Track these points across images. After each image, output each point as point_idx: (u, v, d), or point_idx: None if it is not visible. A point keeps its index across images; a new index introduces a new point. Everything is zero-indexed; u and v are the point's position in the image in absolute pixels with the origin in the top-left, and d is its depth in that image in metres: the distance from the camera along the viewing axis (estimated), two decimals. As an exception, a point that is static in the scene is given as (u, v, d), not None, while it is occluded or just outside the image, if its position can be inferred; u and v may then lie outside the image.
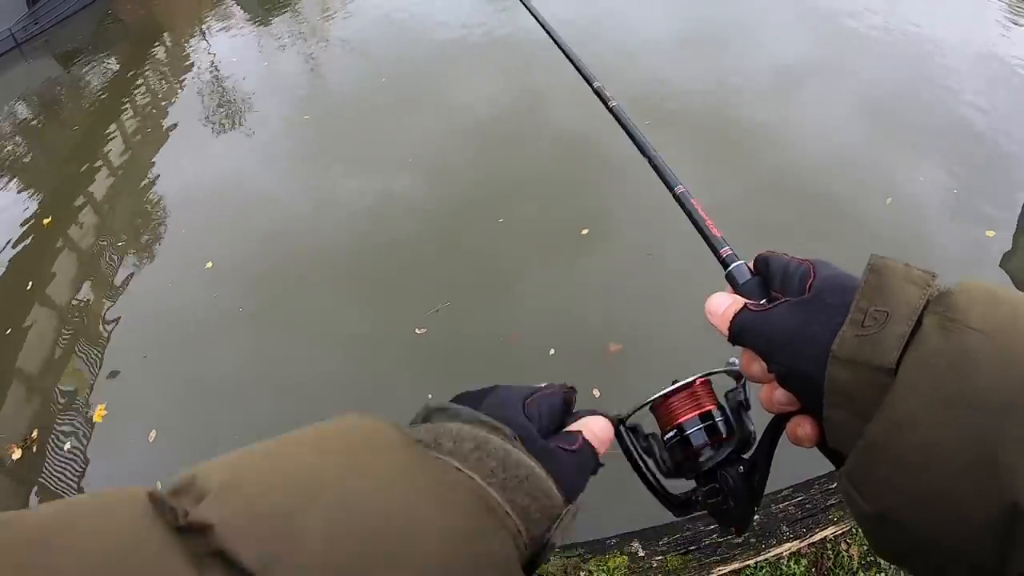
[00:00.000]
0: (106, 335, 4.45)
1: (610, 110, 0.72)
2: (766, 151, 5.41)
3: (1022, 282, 4.36)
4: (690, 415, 0.60)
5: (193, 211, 5.41)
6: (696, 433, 0.59)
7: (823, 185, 5.04)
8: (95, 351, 4.36)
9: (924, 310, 0.43)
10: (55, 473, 3.71)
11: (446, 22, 7.86)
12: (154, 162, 6.21)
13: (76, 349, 4.44)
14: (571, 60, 0.82)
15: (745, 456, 0.59)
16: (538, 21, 0.97)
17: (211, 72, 7.78)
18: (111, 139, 6.73)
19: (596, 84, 0.74)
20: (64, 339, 4.52)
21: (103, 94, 7.78)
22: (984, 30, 7.49)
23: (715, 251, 0.62)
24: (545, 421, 0.51)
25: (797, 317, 0.49)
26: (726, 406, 0.61)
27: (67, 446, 3.79)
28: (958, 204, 4.91)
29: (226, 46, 8.40)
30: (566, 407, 0.55)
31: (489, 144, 5.72)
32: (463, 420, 0.45)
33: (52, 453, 3.80)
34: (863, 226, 4.65)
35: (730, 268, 0.60)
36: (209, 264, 4.72)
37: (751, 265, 0.59)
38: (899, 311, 0.43)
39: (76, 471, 3.69)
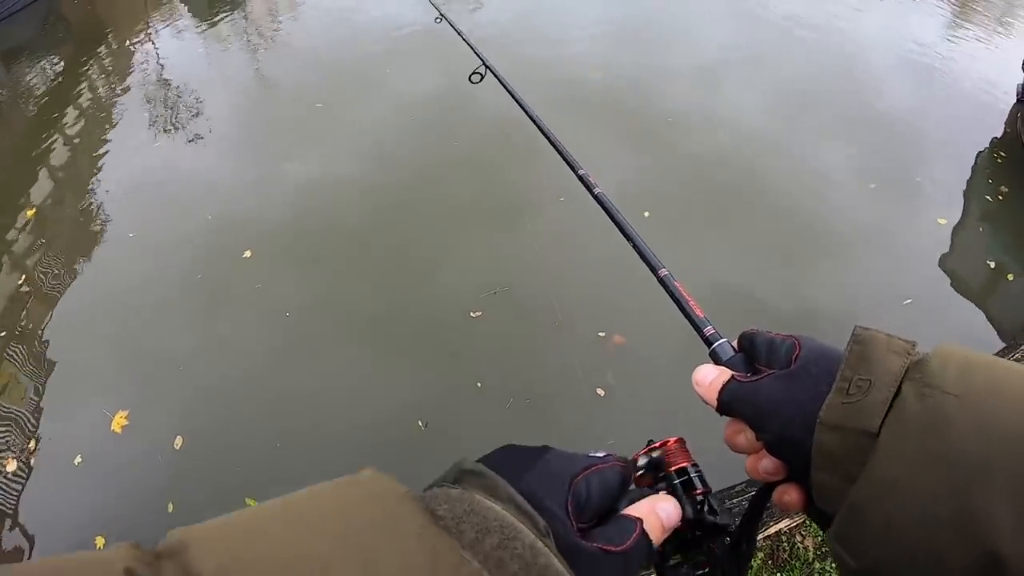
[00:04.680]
0: (45, 342, 4.32)
1: (595, 197, 0.74)
2: (685, 137, 5.73)
3: (963, 281, 4.62)
4: (666, 471, 0.60)
5: (146, 207, 5.35)
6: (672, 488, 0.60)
7: (739, 169, 5.37)
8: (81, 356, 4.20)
9: (904, 377, 0.46)
10: (57, 489, 3.49)
11: (387, 20, 8.01)
12: (100, 160, 6.09)
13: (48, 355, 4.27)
14: (556, 148, 0.83)
15: (731, 528, 0.58)
16: (521, 107, 0.98)
17: (157, 71, 7.64)
18: (55, 139, 6.54)
19: (581, 171, 0.75)
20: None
21: (47, 93, 7.51)
22: (904, 25, 7.89)
23: (698, 330, 0.64)
24: (595, 502, 0.48)
25: (785, 387, 0.51)
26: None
27: (77, 459, 3.58)
28: (873, 187, 5.34)
29: (172, 45, 8.27)
30: (623, 484, 0.52)
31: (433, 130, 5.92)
32: (498, 497, 0.41)
33: (56, 466, 3.59)
34: (778, 209, 5.01)
35: (714, 346, 0.61)
36: (248, 253, 4.70)
37: (734, 344, 0.60)
38: (882, 380, 0.46)
39: (83, 487, 3.48)
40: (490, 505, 0.40)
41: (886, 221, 5.03)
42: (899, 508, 0.42)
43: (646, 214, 4.66)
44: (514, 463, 0.46)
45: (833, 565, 2.57)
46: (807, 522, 2.72)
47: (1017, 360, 3.65)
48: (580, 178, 0.74)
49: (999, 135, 6.05)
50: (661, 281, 0.70)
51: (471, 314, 4.15)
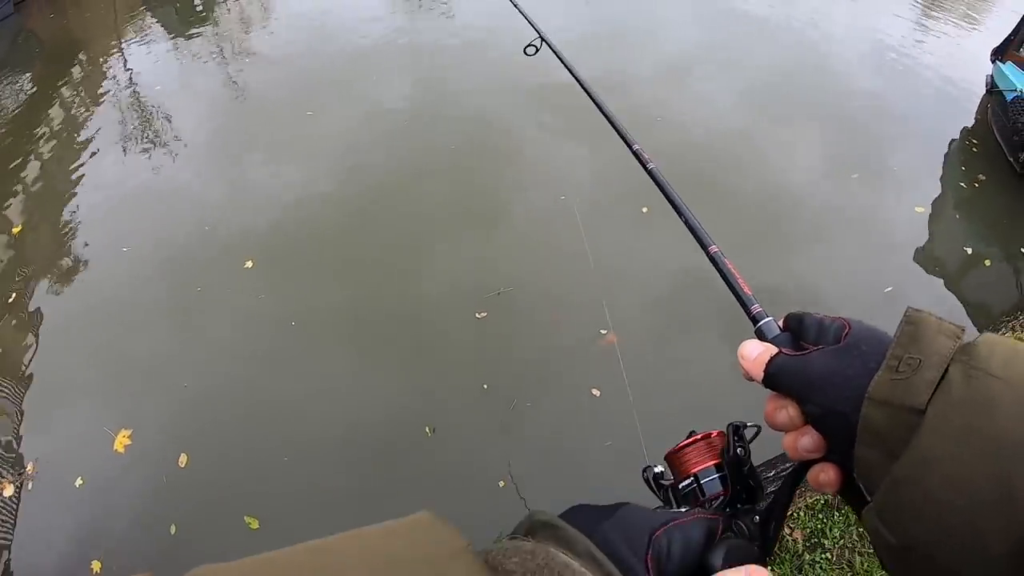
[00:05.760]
0: (43, 362, 4.20)
1: (648, 172, 0.74)
2: (657, 130, 5.83)
3: (942, 268, 4.71)
4: (706, 464, 0.62)
5: (139, 221, 5.25)
6: (711, 483, 0.61)
7: (723, 162, 5.50)
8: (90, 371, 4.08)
9: (951, 359, 0.46)
10: (56, 512, 3.34)
11: (360, 27, 8.11)
12: (85, 176, 5.99)
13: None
14: (611, 122, 0.84)
15: (760, 506, 0.59)
16: (577, 80, 0.98)
17: (129, 86, 7.57)
18: (28, 157, 6.42)
19: (635, 147, 0.76)
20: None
21: (18, 111, 7.36)
22: (875, 19, 8.07)
23: (745, 308, 0.64)
24: (676, 560, 0.48)
25: (834, 362, 0.51)
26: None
27: (78, 481, 3.45)
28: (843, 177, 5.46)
29: (145, 61, 8.18)
30: (708, 539, 0.51)
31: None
32: (574, 552, 0.41)
33: (55, 489, 3.45)
34: (744, 201, 5.11)
35: (759, 324, 0.61)
36: (250, 263, 4.65)
37: (780, 323, 0.60)
38: (931, 360, 0.46)
39: (84, 509, 3.33)
40: (567, 561, 0.39)
41: (864, 210, 5.14)
42: (941, 486, 0.42)
43: (644, 209, 4.69)
44: (589, 517, 0.47)
45: (823, 556, 2.59)
46: (795, 514, 2.74)
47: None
48: (635, 153, 0.75)
49: (970, 125, 6.21)
50: (711, 258, 0.70)
51: (477, 315, 4.15)
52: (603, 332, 3.95)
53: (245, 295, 4.42)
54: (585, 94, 0.97)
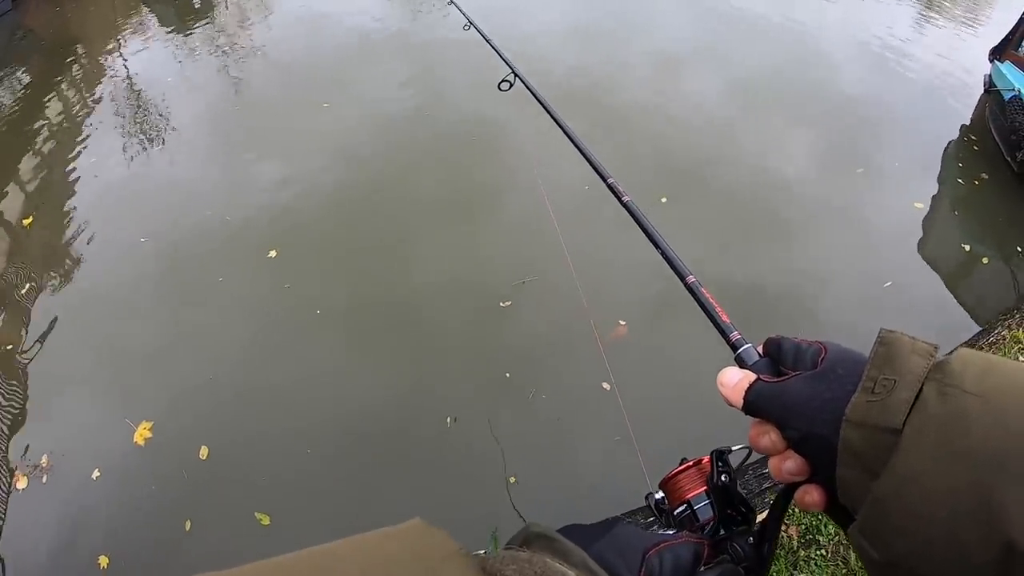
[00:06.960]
0: (61, 354, 4.18)
1: (624, 204, 0.76)
2: (649, 125, 5.88)
3: (940, 265, 4.72)
4: (697, 490, 0.64)
5: (156, 213, 5.26)
6: (703, 508, 0.64)
7: (701, 156, 5.50)
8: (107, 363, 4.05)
9: (926, 378, 0.47)
10: (69, 506, 3.30)
11: (358, 25, 8.15)
12: (85, 168, 6.01)
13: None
14: (585, 155, 0.86)
15: (754, 527, 0.60)
16: (550, 114, 1.00)
17: (135, 81, 7.57)
18: (34, 151, 6.44)
19: (610, 180, 0.78)
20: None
21: (16, 107, 7.36)
22: (874, 18, 8.03)
23: (725, 336, 0.65)
24: None
25: (812, 386, 0.52)
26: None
27: (95, 474, 3.41)
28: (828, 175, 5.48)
29: (143, 57, 8.20)
30: (695, 562, 0.53)
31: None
32: (570, 563, 0.42)
33: (70, 482, 3.41)
34: (743, 196, 5.14)
35: (739, 351, 0.62)
36: (273, 253, 4.66)
37: (759, 349, 0.61)
38: (905, 379, 0.47)
39: (98, 503, 3.29)
40: (563, 570, 0.40)
41: (863, 206, 5.14)
42: (921, 501, 0.43)
43: (663, 199, 4.72)
44: (583, 535, 0.48)
45: (818, 552, 2.60)
46: (790, 511, 2.70)
47: (992, 344, 3.73)
48: (609, 187, 0.77)
49: (967, 123, 6.22)
50: (689, 288, 0.71)
51: (501, 303, 4.18)
52: (621, 323, 3.96)
53: (269, 285, 4.41)
54: (562, 130, 0.98)
